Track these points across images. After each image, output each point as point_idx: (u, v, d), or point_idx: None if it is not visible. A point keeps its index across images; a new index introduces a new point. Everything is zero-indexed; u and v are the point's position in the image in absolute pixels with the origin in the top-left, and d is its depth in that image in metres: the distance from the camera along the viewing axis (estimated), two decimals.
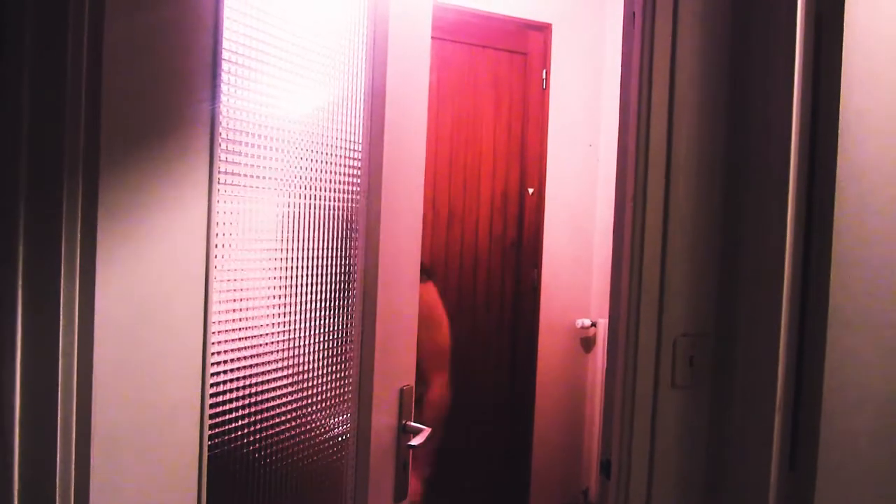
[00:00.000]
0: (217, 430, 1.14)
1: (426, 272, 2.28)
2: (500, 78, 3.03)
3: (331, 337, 1.43)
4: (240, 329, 1.19)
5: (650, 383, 1.41)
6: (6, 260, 0.85)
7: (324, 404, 1.42)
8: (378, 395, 1.51)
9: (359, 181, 1.47)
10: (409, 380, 1.61)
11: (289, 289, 1.32)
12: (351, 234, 1.47)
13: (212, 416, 1.11)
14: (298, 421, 1.35)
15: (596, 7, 3.27)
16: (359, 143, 1.47)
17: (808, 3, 1.30)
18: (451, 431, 2.91)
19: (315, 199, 1.37)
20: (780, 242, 1.31)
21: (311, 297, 1.37)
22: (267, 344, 1.26)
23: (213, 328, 1.09)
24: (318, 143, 1.36)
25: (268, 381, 1.26)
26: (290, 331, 1.32)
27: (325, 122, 1.38)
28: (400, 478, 1.59)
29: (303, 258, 1.35)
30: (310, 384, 1.38)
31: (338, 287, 1.44)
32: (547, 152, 3.16)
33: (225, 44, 1.08)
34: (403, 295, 1.60)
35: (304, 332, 1.36)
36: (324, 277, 1.40)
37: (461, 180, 2.98)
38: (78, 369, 0.87)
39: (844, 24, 1.27)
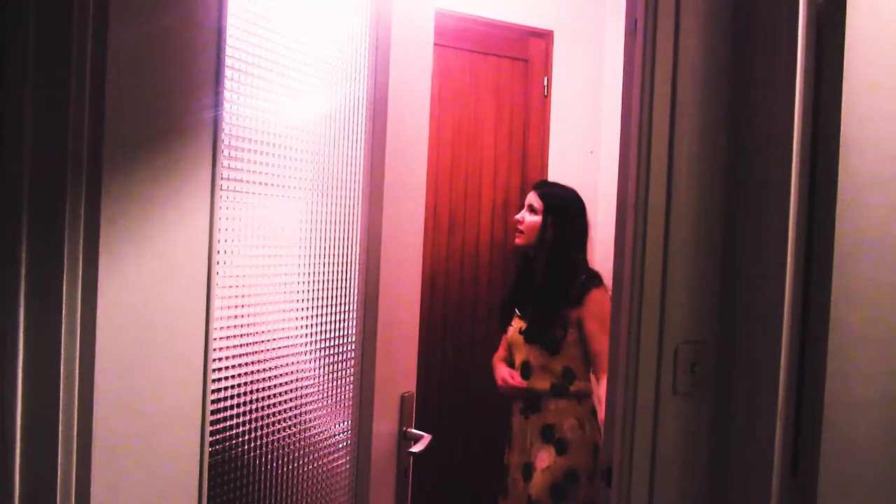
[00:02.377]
0: (218, 437, 1.14)
1: (597, 277, 2.42)
2: (501, 85, 3.04)
3: (332, 343, 1.43)
4: (241, 335, 1.19)
5: (651, 390, 1.40)
6: (9, 265, 0.85)
7: (325, 410, 1.42)
8: (379, 401, 1.51)
9: (360, 187, 1.48)
10: (410, 386, 1.61)
11: (290, 294, 1.32)
12: (353, 241, 1.47)
13: (213, 423, 1.11)
14: (299, 427, 1.35)
15: (597, 14, 3.28)
16: (361, 149, 1.47)
17: (809, 11, 1.30)
18: (452, 437, 2.91)
19: (317, 205, 1.37)
20: (781, 249, 1.31)
21: (313, 303, 1.37)
22: (268, 350, 1.26)
23: (214, 334, 1.09)
24: (319, 149, 1.37)
25: (269, 387, 1.26)
26: (290, 336, 1.32)
27: (327, 128, 1.38)
28: (401, 484, 1.59)
29: (304, 264, 1.35)
30: (311, 390, 1.38)
31: (339, 293, 1.44)
32: (548, 159, 3.16)
33: (228, 51, 1.09)
34: (405, 301, 1.60)
35: (305, 338, 1.36)
36: (325, 283, 1.40)
37: (462, 187, 2.98)
38: (80, 375, 0.88)
39: (846, 33, 1.27)
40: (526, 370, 2.42)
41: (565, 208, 2.46)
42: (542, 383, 2.39)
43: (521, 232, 2.48)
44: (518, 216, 2.52)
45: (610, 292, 2.38)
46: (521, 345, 2.44)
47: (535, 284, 2.47)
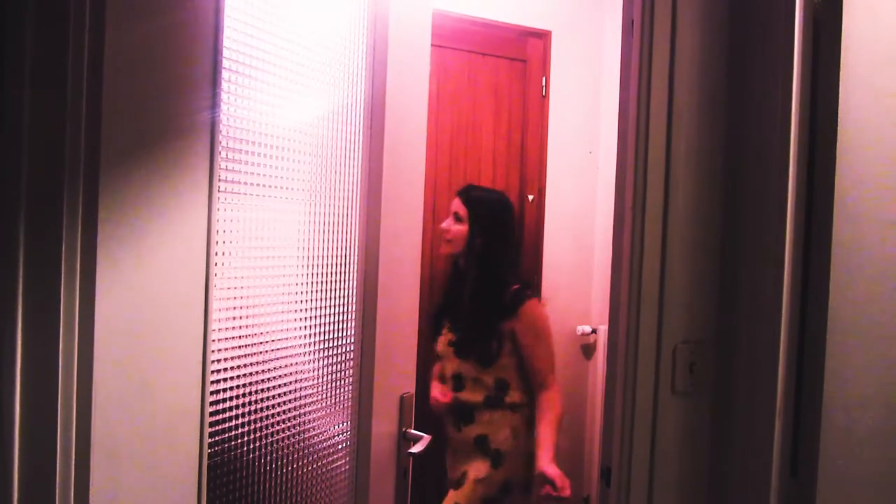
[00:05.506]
0: (217, 438, 1.14)
1: (529, 287, 2.38)
2: (499, 85, 3.04)
3: (331, 344, 1.43)
4: (240, 336, 1.19)
5: (650, 390, 1.41)
6: (7, 268, 0.85)
7: (324, 412, 1.42)
8: (378, 402, 1.51)
9: (359, 188, 1.48)
10: (410, 387, 1.61)
11: (289, 296, 1.32)
12: (351, 242, 1.47)
13: (212, 424, 1.11)
14: (299, 428, 1.35)
15: (595, 14, 3.28)
16: (359, 150, 1.47)
17: (805, 11, 1.30)
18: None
19: (315, 206, 1.37)
20: (779, 249, 1.31)
21: (312, 305, 1.37)
22: (267, 351, 1.26)
23: (213, 336, 1.09)
24: (317, 150, 1.37)
25: (268, 389, 1.26)
26: (289, 338, 1.32)
27: (324, 129, 1.38)
28: (400, 485, 1.59)
29: (303, 265, 1.35)
30: (310, 392, 1.38)
31: (338, 294, 1.44)
32: (547, 159, 3.16)
33: (225, 52, 1.09)
34: (403, 302, 1.60)
35: (304, 339, 1.36)
36: (324, 284, 1.40)
37: (461, 187, 2.98)
38: (78, 377, 0.88)
39: (842, 32, 1.27)
40: (458, 382, 2.37)
41: (492, 215, 2.38)
42: (475, 395, 2.33)
43: (449, 241, 2.41)
44: (444, 225, 2.43)
45: (544, 302, 2.38)
46: (452, 357, 2.39)
47: (466, 295, 2.40)
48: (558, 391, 2.32)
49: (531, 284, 2.39)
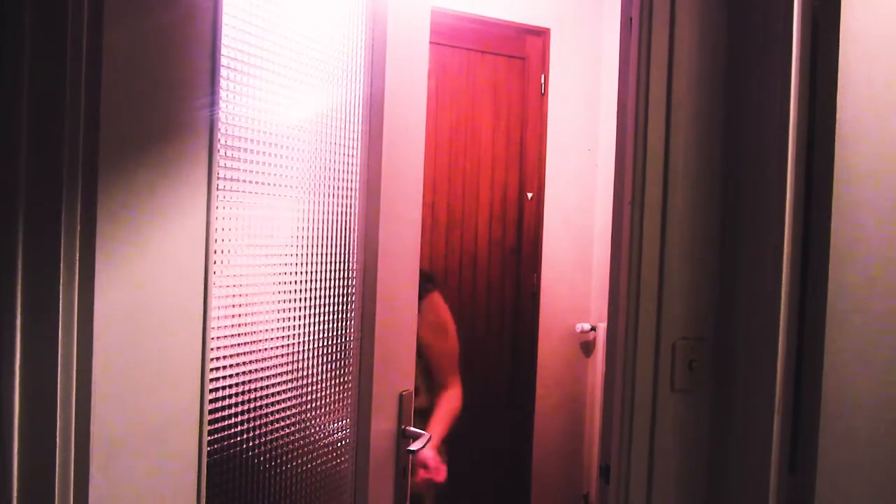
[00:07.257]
0: (216, 437, 1.14)
1: (432, 280, 2.26)
2: (498, 83, 3.04)
3: (330, 342, 1.43)
4: (239, 335, 1.19)
5: (649, 387, 1.41)
6: (5, 266, 0.85)
7: (323, 410, 1.42)
8: (377, 400, 1.51)
9: (357, 186, 1.48)
10: (409, 384, 1.61)
11: (288, 294, 1.32)
12: (350, 239, 1.47)
13: (211, 423, 1.11)
14: (298, 427, 1.35)
15: (594, 12, 3.28)
16: (357, 148, 1.47)
17: (804, 7, 1.30)
18: (451, 435, 2.91)
19: (314, 204, 1.37)
20: (778, 245, 1.32)
21: (311, 303, 1.37)
22: (266, 349, 1.26)
23: (212, 334, 1.09)
24: (316, 148, 1.37)
25: (267, 387, 1.26)
26: (289, 336, 1.32)
27: (324, 127, 1.38)
28: (399, 483, 1.59)
29: (302, 263, 1.35)
30: (309, 389, 1.38)
31: (337, 292, 1.44)
32: (546, 157, 3.16)
33: (224, 50, 1.09)
34: (402, 299, 1.60)
35: (304, 337, 1.36)
36: (323, 282, 1.40)
37: (460, 185, 2.98)
38: (77, 376, 0.88)
39: (840, 28, 1.27)
40: None
41: None
42: None
43: None
44: None
45: (441, 294, 2.22)
46: None
47: None
48: (459, 389, 2.18)
49: (433, 276, 2.22)
